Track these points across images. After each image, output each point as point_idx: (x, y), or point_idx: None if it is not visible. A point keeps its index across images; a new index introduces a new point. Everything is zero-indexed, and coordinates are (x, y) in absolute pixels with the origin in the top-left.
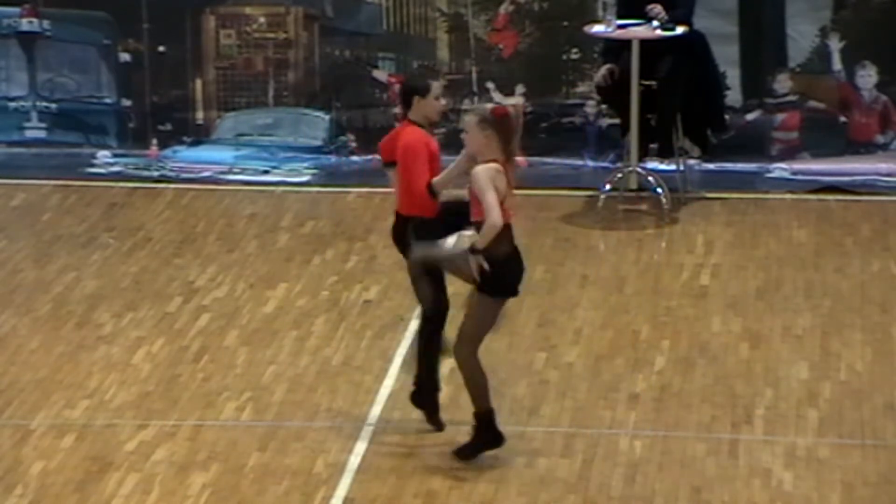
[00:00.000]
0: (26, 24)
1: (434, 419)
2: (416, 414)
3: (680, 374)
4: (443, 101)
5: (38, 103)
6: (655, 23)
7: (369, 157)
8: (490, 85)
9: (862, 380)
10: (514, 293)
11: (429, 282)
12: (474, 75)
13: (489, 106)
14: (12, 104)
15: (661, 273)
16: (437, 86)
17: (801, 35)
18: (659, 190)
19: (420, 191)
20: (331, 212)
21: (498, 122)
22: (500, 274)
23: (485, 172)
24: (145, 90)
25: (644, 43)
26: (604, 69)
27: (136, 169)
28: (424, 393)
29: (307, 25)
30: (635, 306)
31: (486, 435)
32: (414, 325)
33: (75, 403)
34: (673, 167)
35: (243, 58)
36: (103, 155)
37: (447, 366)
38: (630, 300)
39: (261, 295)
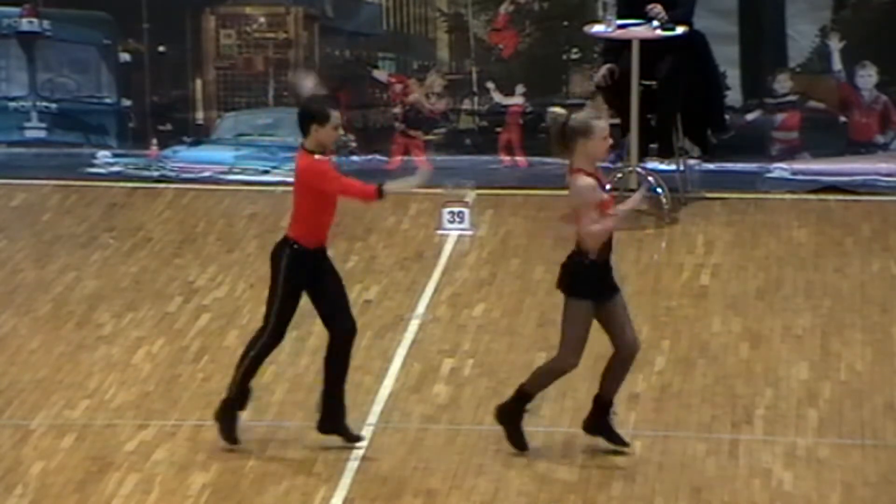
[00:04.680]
0: (26, 24)
1: (350, 435)
2: (416, 414)
3: (680, 374)
4: (340, 132)
5: (38, 103)
6: (655, 23)
7: (369, 156)
8: (490, 85)
9: (862, 380)
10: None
11: (344, 305)
12: (474, 75)
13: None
14: (12, 104)
15: (661, 273)
16: (336, 115)
17: (801, 35)
18: (659, 190)
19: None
20: None
21: None
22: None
23: None
24: (145, 90)
25: (644, 43)
26: (604, 69)
27: (136, 169)
28: (333, 417)
29: (307, 25)
30: (635, 306)
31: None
32: (414, 325)
33: (75, 403)
34: (673, 167)
35: (243, 58)
36: (103, 155)
37: (446, 366)
38: (630, 300)
39: (261, 295)
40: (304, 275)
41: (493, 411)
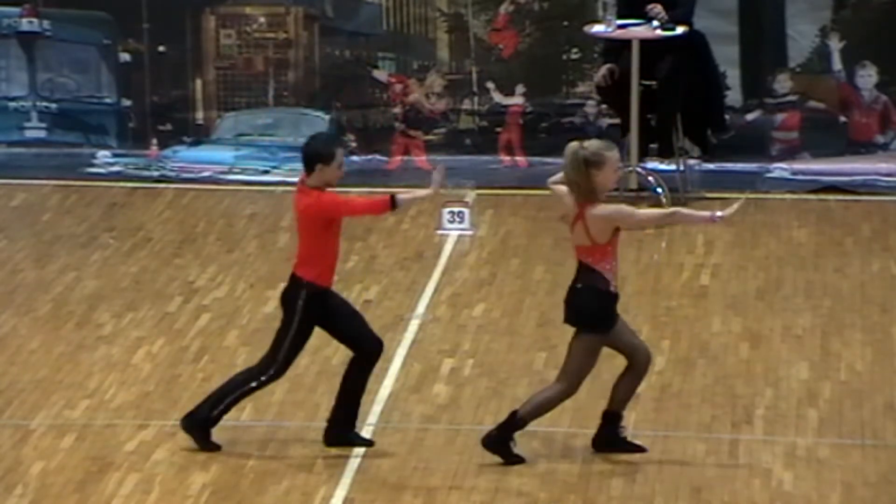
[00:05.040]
0: (26, 24)
1: (360, 441)
2: (416, 414)
3: (680, 374)
4: (344, 169)
5: (38, 103)
6: (655, 23)
7: (369, 156)
8: (490, 85)
9: (862, 380)
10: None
11: (364, 327)
12: (474, 75)
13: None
14: (12, 104)
15: (661, 273)
16: (340, 153)
17: (801, 35)
18: (659, 190)
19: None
20: None
21: None
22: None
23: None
24: (145, 90)
25: (644, 43)
26: (604, 69)
27: (136, 169)
28: (342, 429)
29: (307, 25)
30: (635, 306)
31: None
32: (414, 325)
33: (75, 403)
34: (673, 167)
35: (243, 58)
36: (103, 155)
37: (446, 366)
38: (630, 300)
39: (261, 295)
40: (319, 314)
41: (481, 441)
